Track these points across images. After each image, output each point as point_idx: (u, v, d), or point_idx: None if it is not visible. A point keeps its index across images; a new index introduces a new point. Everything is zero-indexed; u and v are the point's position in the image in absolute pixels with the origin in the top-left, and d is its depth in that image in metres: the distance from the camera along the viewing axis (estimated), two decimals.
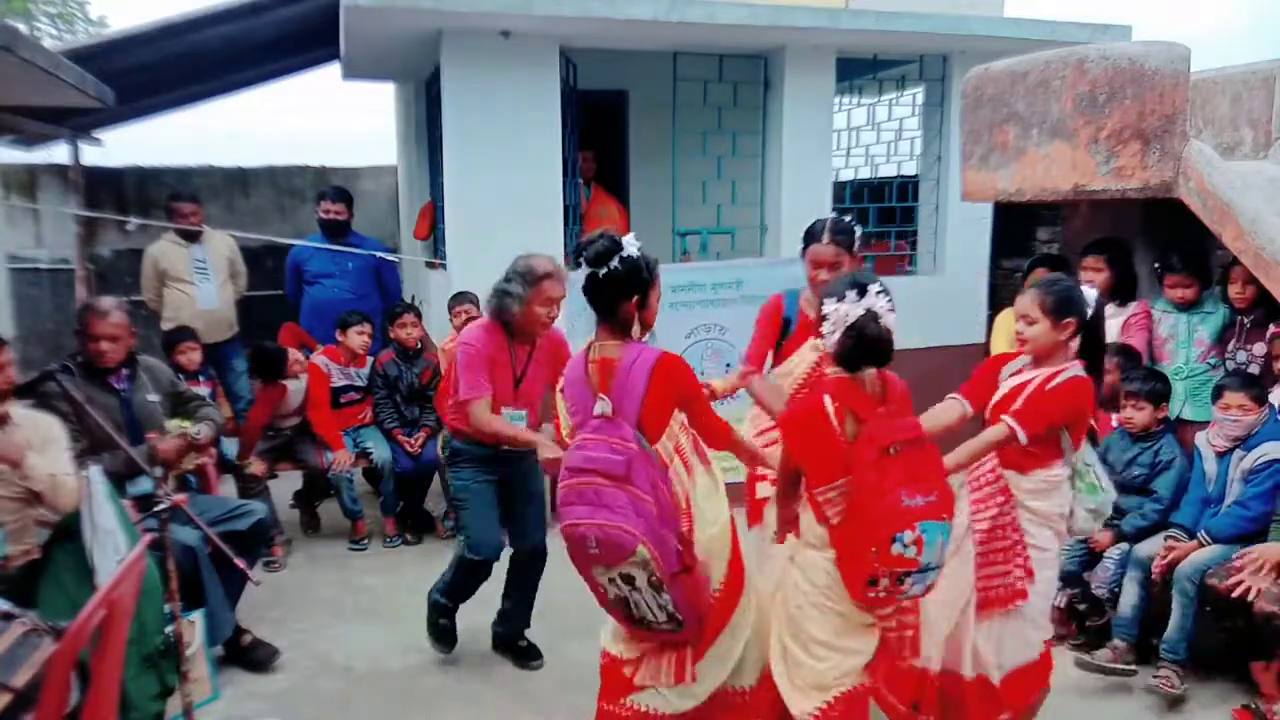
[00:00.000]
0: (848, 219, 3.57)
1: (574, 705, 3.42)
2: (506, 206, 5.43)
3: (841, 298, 2.43)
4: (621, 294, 2.59)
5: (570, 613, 3.85)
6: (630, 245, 2.62)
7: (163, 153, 9.53)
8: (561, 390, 2.95)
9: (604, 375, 2.57)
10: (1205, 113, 4.88)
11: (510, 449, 3.50)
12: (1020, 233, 6.63)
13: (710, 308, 4.93)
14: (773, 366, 3.53)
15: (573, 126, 5.84)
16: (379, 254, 5.76)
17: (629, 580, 2.46)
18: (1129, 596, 3.71)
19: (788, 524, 2.69)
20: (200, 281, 5.74)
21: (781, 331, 3.49)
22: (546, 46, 5.43)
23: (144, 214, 8.29)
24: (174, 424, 3.80)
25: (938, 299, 6.25)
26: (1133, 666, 3.62)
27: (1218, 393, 3.73)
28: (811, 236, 3.44)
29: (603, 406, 2.51)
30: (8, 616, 2.27)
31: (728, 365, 5.04)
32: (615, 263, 2.55)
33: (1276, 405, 3.70)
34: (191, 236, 5.74)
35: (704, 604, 2.61)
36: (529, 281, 3.34)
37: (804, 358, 3.40)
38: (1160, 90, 3.97)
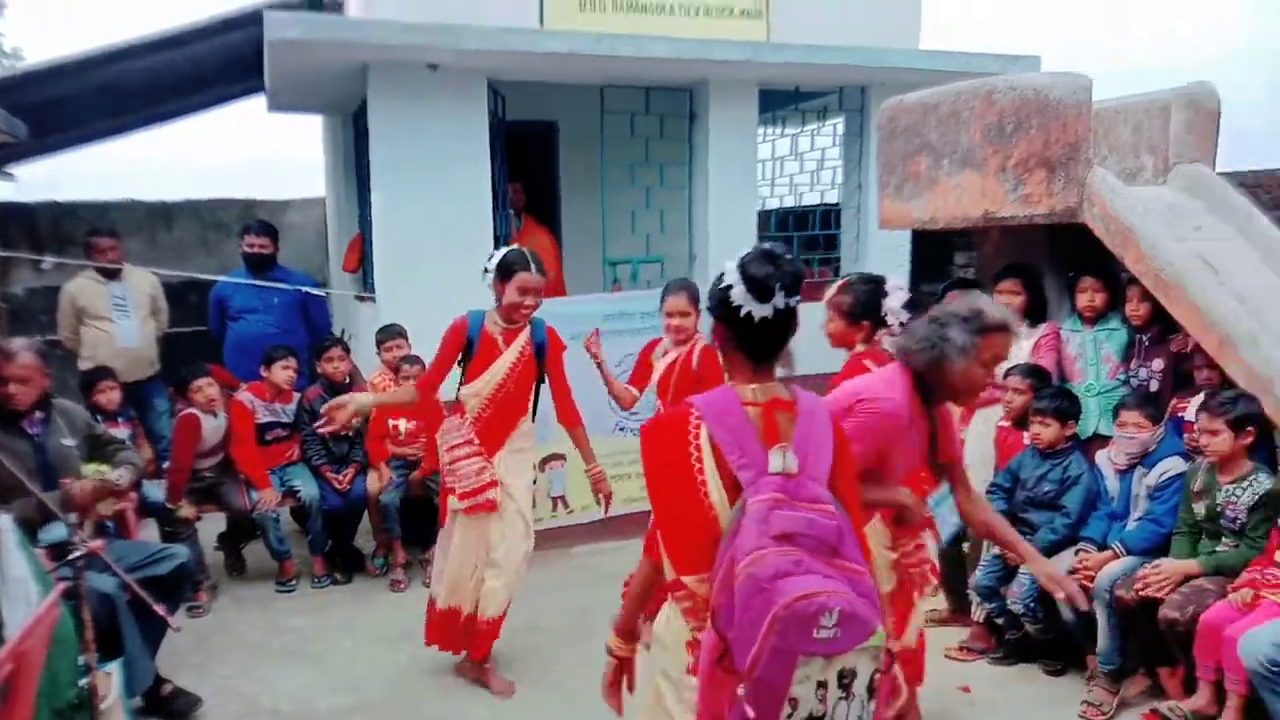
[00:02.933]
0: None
1: None
2: (435, 238, 5.42)
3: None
4: (793, 328, 2.09)
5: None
6: None
7: (85, 186, 9.29)
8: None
9: (773, 421, 2.01)
10: (1109, 140, 5.11)
11: None
12: (938, 259, 6.83)
13: (640, 336, 4.95)
14: (462, 385, 3.79)
15: (501, 158, 5.87)
16: (304, 288, 5.69)
17: (846, 680, 1.82)
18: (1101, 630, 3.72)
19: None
20: (120, 319, 5.61)
21: (465, 352, 3.76)
22: (474, 79, 5.47)
23: (60, 251, 8.07)
24: (91, 468, 3.68)
25: None
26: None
27: (1116, 412, 3.90)
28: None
29: (785, 462, 1.94)
30: None
31: None
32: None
33: (1194, 415, 3.84)
34: (111, 273, 5.62)
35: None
36: (976, 330, 2.56)
37: (494, 375, 3.72)
38: (1064, 120, 4.16)
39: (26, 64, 8.16)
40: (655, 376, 4.15)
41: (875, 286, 3.38)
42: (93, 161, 9.20)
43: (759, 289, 1.96)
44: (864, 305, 3.36)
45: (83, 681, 2.91)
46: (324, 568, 5.06)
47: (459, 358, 3.77)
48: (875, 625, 1.79)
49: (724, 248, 6.14)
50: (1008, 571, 3.99)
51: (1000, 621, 4.04)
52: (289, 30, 4.67)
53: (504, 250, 3.75)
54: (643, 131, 6.00)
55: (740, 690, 1.74)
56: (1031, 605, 3.85)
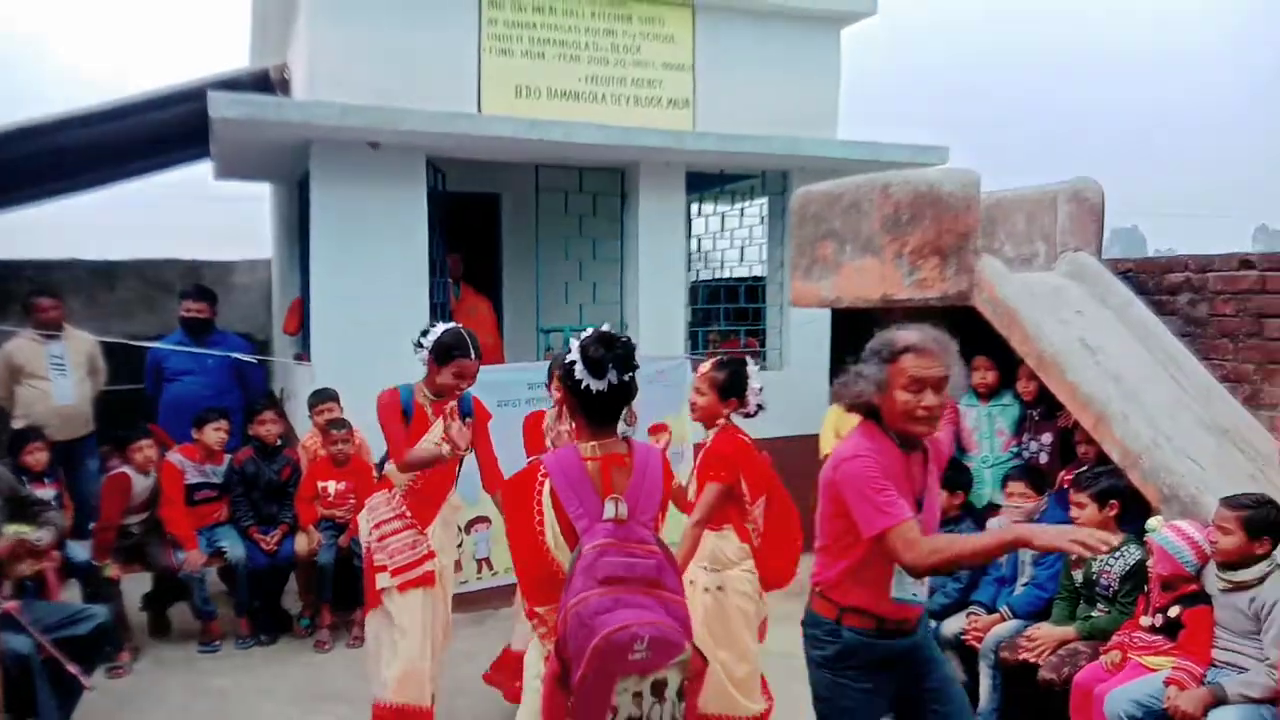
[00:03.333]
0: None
1: None
2: (372, 305, 5.61)
3: None
4: (629, 397, 2.50)
5: None
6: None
7: (29, 244, 9.32)
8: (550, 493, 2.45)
9: (609, 474, 2.40)
10: (1006, 228, 5.49)
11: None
12: (857, 332, 7.15)
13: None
14: (388, 459, 3.74)
15: (440, 229, 6.11)
16: (238, 355, 5.83)
17: (658, 689, 2.26)
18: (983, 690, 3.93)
19: None
20: (57, 378, 5.71)
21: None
22: (413, 157, 5.73)
23: (3, 308, 8.11)
24: (12, 529, 3.77)
25: (783, 392, 6.67)
26: None
27: (1003, 482, 4.18)
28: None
29: (617, 510, 2.33)
30: None
31: None
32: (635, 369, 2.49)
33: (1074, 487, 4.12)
34: (50, 333, 5.72)
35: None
36: (885, 359, 2.60)
37: (431, 439, 3.66)
38: (955, 211, 4.51)
39: None
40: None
41: (742, 366, 3.67)
42: (36, 220, 9.23)
43: (595, 367, 2.39)
44: (733, 383, 3.61)
45: None
46: (249, 628, 5.11)
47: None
48: (684, 644, 2.25)
49: (654, 317, 6.43)
50: None
51: None
52: (231, 110, 4.90)
53: (441, 328, 3.67)
54: (576, 208, 6.30)
55: (569, 703, 2.18)
56: None
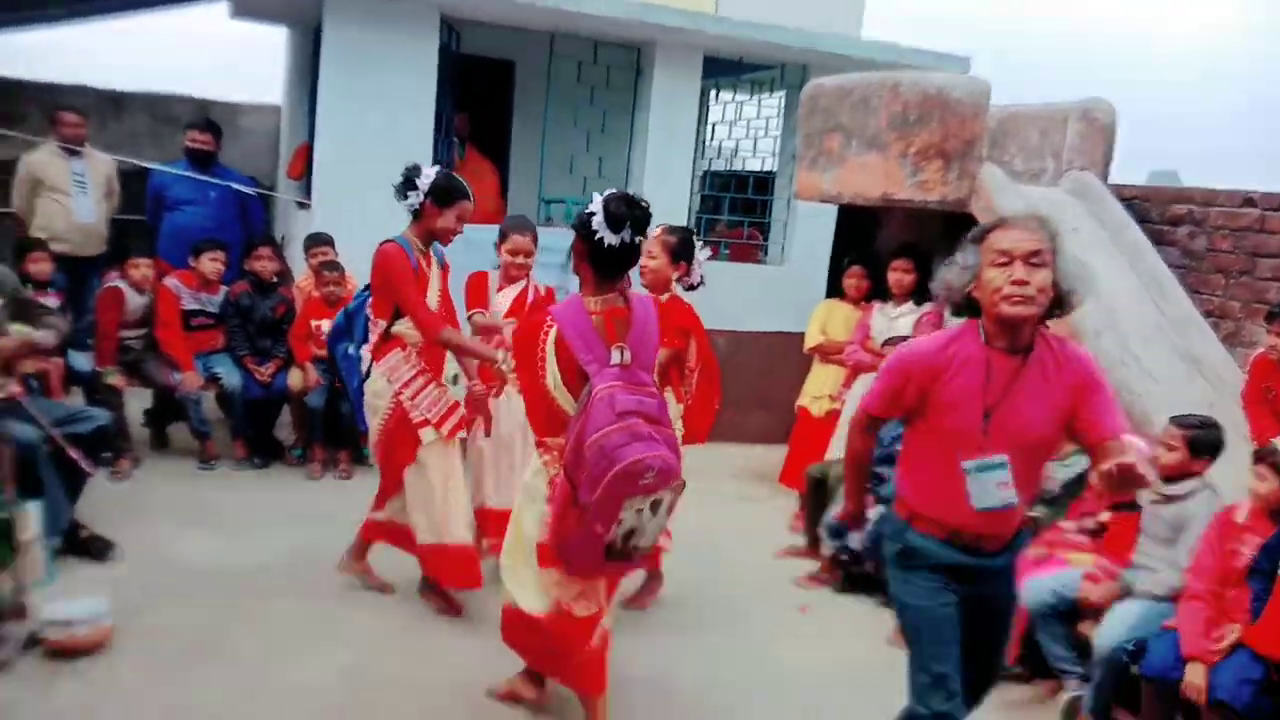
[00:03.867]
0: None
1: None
2: (375, 156, 5.63)
3: None
4: (637, 255, 2.74)
5: None
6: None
7: (35, 67, 9.22)
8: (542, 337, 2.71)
9: (612, 326, 2.66)
10: (1018, 141, 5.55)
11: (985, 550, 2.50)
12: (861, 233, 7.24)
13: (563, 271, 5.28)
14: (396, 317, 3.60)
15: (451, 89, 6.11)
16: (237, 185, 5.90)
17: (655, 506, 2.63)
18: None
19: None
20: (78, 194, 5.83)
21: None
22: (427, 12, 5.70)
23: (7, 124, 8.09)
24: (17, 329, 3.92)
25: (782, 288, 6.81)
26: None
27: None
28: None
29: (623, 356, 2.61)
30: None
31: None
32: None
33: None
34: (72, 150, 5.78)
35: None
36: (975, 240, 2.41)
37: (430, 298, 3.61)
38: (962, 117, 4.57)
39: None
40: (497, 313, 4.22)
41: (690, 234, 3.87)
42: (46, 42, 9.12)
43: (614, 222, 2.60)
44: (684, 248, 3.77)
45: (2, 514, 3.22)
46: (244, 451, 5.35)
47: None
48: (679, 472, 2.64)
49: (658, 199, 6.37)
50: None
51: (844, 559, 4.50)
52: None
53: (432, 171, 3.53)
54: (589, 79, 6.28)
55: (588, 517, 2.55)
56: (870, 546, 4.32)
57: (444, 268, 3.77)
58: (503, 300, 4.20)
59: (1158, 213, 5.13)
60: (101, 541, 3.96)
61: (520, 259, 4.13)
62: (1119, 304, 4.31)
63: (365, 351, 3.63)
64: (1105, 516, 3.77)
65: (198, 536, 4.33)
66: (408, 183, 3.51)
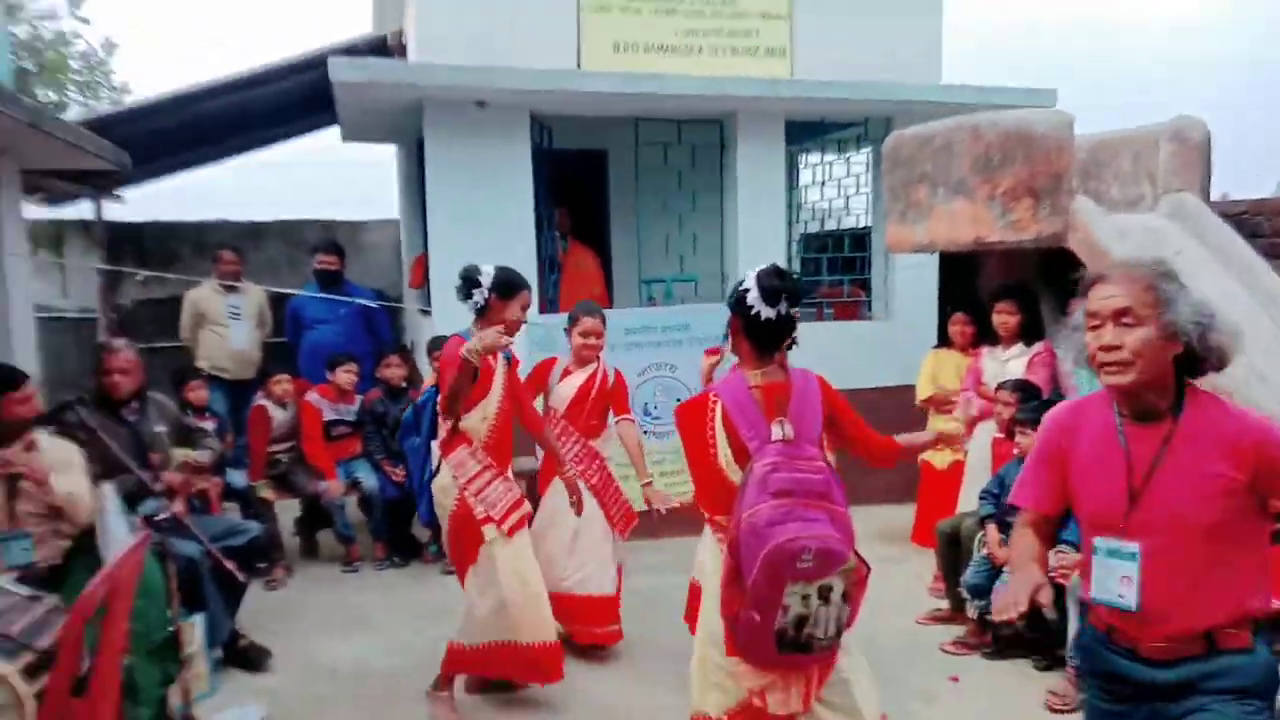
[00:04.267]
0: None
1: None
2: (485, 258, 5.91)
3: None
4: (793, 326, 2.72)
5: None
6: None
7: (181, 207, 10.18)
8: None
9: (771, 400, 2.63)
10: (1113, 169, 5.41)
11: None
12: (964, 278, 7.14)
13: (661, 348, 5.45)
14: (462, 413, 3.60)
15: (547, 184, 6.43)
16: (362, 301, 6.34)
17: (825, 594, 2.50)
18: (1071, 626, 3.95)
19: None
20: (233, 324, 6.45)
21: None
22: (518, 115, 6.04)
23: (164, 266, 8.95)
24: (179, 452, 4.33)
25: (889, 341, 6.76)
26: None
27: None
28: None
29: (784, 431, 2.57)
30: (34, 598, 2.79)
31: (677, 399, 5.58)
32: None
33: None
34: (230, 284, 6.38)
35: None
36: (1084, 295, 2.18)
37: (495, 394, 3.65)
38: (1047, 151, 4.51)
39: (131, 100, 9.08)
40: (566, 395, 4.35)
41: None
42: (190, 184, 10.09)
43: (770, 296, 2.62)
44: None
45: (170, 627, 3.52)
46: (384, 552, 5.67)
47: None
48: (848, 555, 2.50)
49: (754, 266, 6.56)
50: (995, 570, 4.29)
51: (991, 618, 4.31)
52: (350, 74, 5.35)
53: (491, 268, 3.65)
54: (675, 161, 6.50)
55: (747, 600, 2.45)
56: None
57: (511, 361, 3.84)
58: (571, 384, 4.34)
59: (1270, 225, 4.90)
60: (259, 650, 4.25)
61: (591, 340, 4.29)
62: (1234, 323, 4.11)
63: (435, 446, 3.69)
64: None
65: (346, 640, 4.58)
66: (470, 282, 3.63)
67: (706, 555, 2.86)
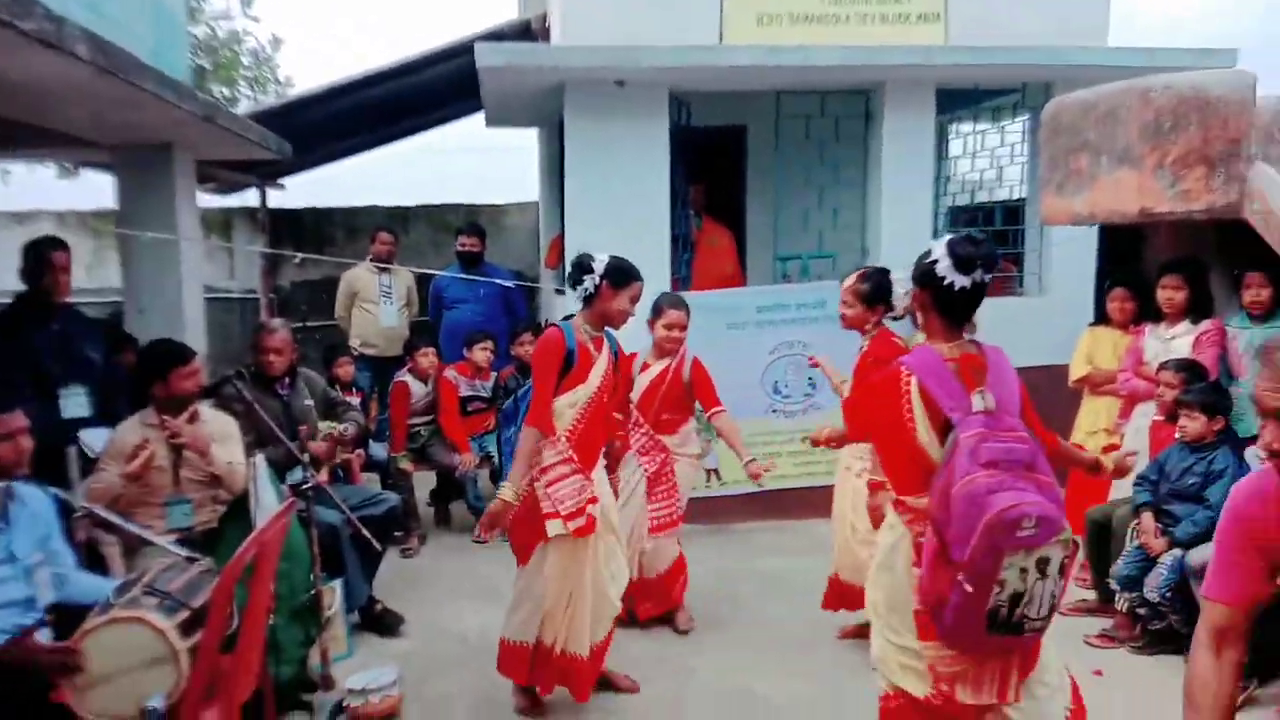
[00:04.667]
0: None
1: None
2: (618, 238, 5.93)
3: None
4: (984, 293, 2.64)
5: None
6: None
7: (334, 192, 10.71)
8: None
9: (968, 371, 2.55)
10: None
11: None
12: (1127, 252, 6.65)
13: (794, 326, 5.30)
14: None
15: (684, 162, 6.36)
16: (500, 281, 6.46)
17: (1042, 565, 2.36)
18: None
19: None
20: (384, 304, 6.71)
21: (564, 364, 3.47)
22: (657, 93, 5.98)
23: (318, 249, 9.43)
24: (325, 425, 4.53)
25: (1042, 318, 6.38)
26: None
27: None
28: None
29: (985, 401, 2.48)
30: (191, 559, 2.96)
31: (808, 379, 5.44)
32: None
33: None
34: (383, 265, 6.66)
35: None
36: None
37: (590, 385, 3.48)
38: (1224, 117, 4.08)
39: (295, 92, 9.57)
40: (640, 388, 4.32)
41: (885, 275, 3.84)
42: (343, 171, 10.61)
43: (964, 264, 2.53)
44: (876, 292, 3.80)
45: (312, 591, 3.69)
46: None
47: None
48: (1063, 524, 2.33)
49: (897, 243, 6.31)
50: (1148, 562, 4.03)
51: (1142, 611, 4.08)
52: (494, 59, 5.41)
53: (604, 256, 3.52)
54: (818, 134, 6.30)
55: (960, 576, 2.29)
56: (1168, 595, 3.89)
57: (618, 354, 3.69)
58: (647, 376, 4.34)
59: None
60: (393, 615, 4.42)
61: (675, 333, 4.27)
62: None
63: None
64: None
65: (474, 608, 4.69)
66: (581, 269, 3.49)
67: (887, 538, 2.70)
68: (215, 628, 2.59)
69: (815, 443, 3.63)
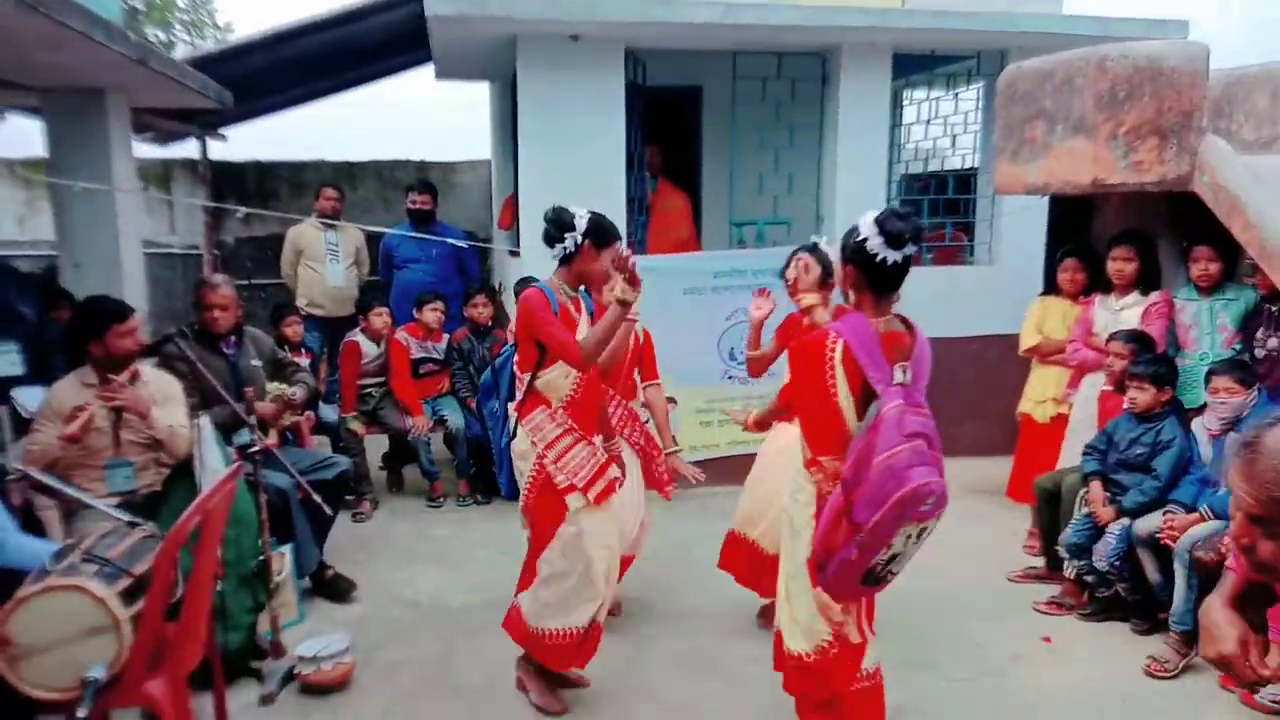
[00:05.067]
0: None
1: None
2: (573, 198, 5.82)
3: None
4: (907, 272, 2.70)
5: None
6: None
7: (278, 145, 10.39)
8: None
9: (890, 345, 2.64)
10: (1246, 106, 4.97)
11: None
12: (1077, 222, 6.74)
13: (751, 292, 5.26)
14: (541, 371, 3.27)
15: (639, 121, 6.27)
16: (452, 241, 6.33)
17: (921, 533, 2.59)
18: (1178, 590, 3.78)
19: None
20: (330, 262, 6.54)
21: None
22: (612, 49, 5.86)
23: (263, 204, 9.17)
24: (273, 386, 4.42)
25: (992, 288, 6.45)
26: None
27: (1208, 378, 3.92)
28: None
29: (904, 376, 2.60)
30: (133, 524, 2.87)
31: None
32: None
33: None
34: (329, 222, 6.49)
35: None
36: None
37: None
38: (1178, 88, 4.15)
39: (234, 38, 9.22)
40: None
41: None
42: (288, 123, 10.29)
43: (895, 240, 2.60)
44: (829, 270, 3.79)
45: (261, 557, 3.62)
46: (468, 489, 5.73)
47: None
48: (947, 499, 2.57)
49: (852, 210, 6.21)
50: (1096, 530, 4.12)
51: (1090, 579, 4.17)
52: (443, 7, 5.24)
53: (584, 211, 3.29)
54: (774, 96, 6.24)
55: (858, 536, 2.52)
56: (1116, 563, 3.98)
57: (594, 315, 3.45)
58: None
59: None
60: (345, 581, 4.35)
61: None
62: None
63: (512, 409, 3.41)
64: None
65: (427, 572, 4.66)
66: (562, 225, 3.26)
67: (793, 495, 2.85)
68: (159, 595, 2.51)
69: (748, 427, 3.62)
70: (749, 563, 3.99)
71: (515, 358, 3.39)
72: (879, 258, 2.61)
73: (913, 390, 2.61)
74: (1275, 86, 4.76)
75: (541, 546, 3.33)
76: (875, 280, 2.67)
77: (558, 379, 3.26)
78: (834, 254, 3.66)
